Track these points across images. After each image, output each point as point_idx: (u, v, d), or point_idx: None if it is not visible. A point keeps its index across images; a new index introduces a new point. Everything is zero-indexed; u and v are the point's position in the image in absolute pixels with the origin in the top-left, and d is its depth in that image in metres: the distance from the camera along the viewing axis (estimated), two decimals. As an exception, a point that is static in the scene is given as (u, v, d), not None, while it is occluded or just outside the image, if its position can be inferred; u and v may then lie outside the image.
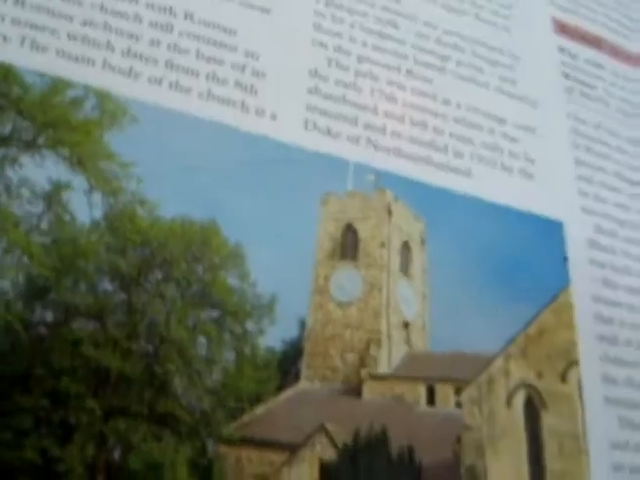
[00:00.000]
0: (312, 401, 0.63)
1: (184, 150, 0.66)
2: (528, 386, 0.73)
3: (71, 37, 0.64)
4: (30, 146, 0.61)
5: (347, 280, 0.66)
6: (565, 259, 0.82)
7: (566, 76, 0.95)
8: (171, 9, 0.69)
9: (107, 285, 0.61)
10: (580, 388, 0.75)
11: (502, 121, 0.85)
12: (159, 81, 0.66)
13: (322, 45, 0.77)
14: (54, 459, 0.56)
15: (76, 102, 0.63)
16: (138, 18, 0.67)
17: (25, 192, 0.59)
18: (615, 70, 1.02)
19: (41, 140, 0.61)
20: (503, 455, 0.69)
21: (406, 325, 0.68)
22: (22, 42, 0.62)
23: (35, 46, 0.62)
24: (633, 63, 1.05)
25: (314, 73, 0.75)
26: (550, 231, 0.82)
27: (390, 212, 0.71)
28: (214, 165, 0.67)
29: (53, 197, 0.61)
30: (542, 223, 0.81)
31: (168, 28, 0.68)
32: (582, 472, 0.71)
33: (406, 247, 0.71)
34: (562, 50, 0.96)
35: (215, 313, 0.63)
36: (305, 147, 0.71)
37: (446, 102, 0.82)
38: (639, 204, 0.93)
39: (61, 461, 0.57)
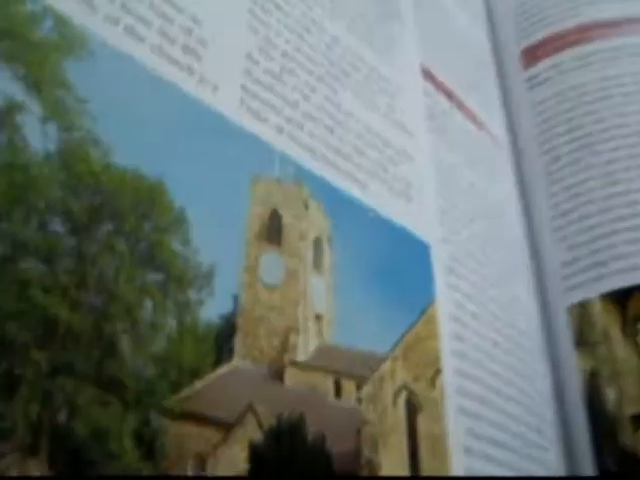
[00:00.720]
0: (244, 380, 0.60)
1: (136, 100, 0.61)
2: (407, 388, 0.77)
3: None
4: (-16, 54, 0.53)
5: (273, 264, 0.65)
6: (431, 278, 0.89)
7: (430, 118, 1.04)
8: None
9: (58, 226, 0.53)
10: (443, 395, 0.81)
11: (388, 144, 0.91)
12: (116, 21, 0.61)
13: (255, 31, 0.76)
14: (-4, 415, 0.46)
15: (35, 18, 0.56)
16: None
17: (-24, 103, 0.51)
18: (462, 123, 1.14)
19: (-1, 49, 0.53)
20: (391, 452, 0.72)
21: (318, 317, 0.69)
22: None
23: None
24: (471, 119, 1.18)
25: (249, 56, 0.74)
26: (423, 251, 0.88)
27: (307, 206, 0.72)
28: (162, 122, 0.63)
29: (6, 116, 0.53)
30: (417, 243, 0.87)
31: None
32: (448, 473, 0.76)
33: (318, 243, 0.72)
34: (427, 94, 1.06)
35: (160, 276, 0.58)
36: (240, 125, 0.69)
37: (348, 114, 0.86)
38: (479, 241, 1.04)
39: (4, 417, 0.47)
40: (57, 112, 0.54)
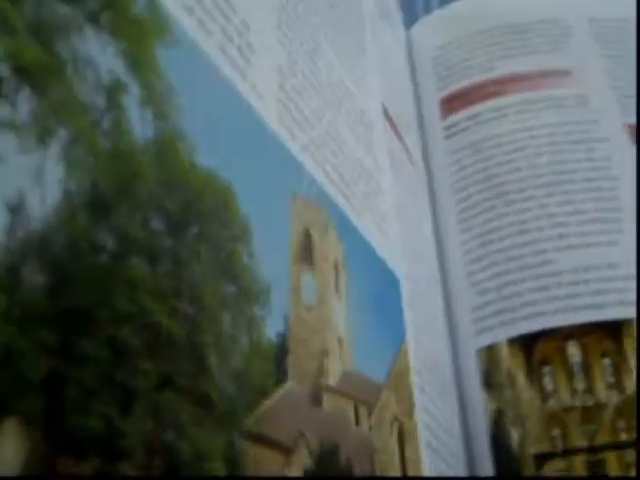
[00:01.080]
0: (296, 403, 0.56)
1: (207, 96, 0.58)
2: (398, 419, 0.77)
3: None
4: (93, 19, 0.47)
5: (309, 285, 0.62)
6: (401, 312, 0.89)
7: (390, 154, 1.05)
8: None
9: (157, 224, 0.47)
10: (418, 429, 0.82)
11: (370, 176, 0.91)
12: (191, 11, 0.57)
13: (283, 45, 0.74)
14: (117, 432, 0.39)
15: (133, -6, 0.51)
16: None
17: (90, 74, 0.45)
18: (406, 163, 1.17)
19: (104, 18, 0.47)
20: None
21: (339, 341, 0.66)
22: None
23: None
24: (410, 160, 1.21)
25: (280, 70, 0.72)
26: (398, 285, 0.89)
27: (327, 229, 0.69)
28: (226, 123, 0.60)
29: (113, 95, 0.47)
30: (394, 277, 0.88)
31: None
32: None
33: (335, 267, 0.69)
34: (385, 131, 1.08)
35: (234, 289, 0.53)
36: (279, 139, 0.67)
37: (344, 142, 0.85)
38: (423, 280, 1.07)
39: (124, 435, 0.40)
40: (153, 97, 0.50)
